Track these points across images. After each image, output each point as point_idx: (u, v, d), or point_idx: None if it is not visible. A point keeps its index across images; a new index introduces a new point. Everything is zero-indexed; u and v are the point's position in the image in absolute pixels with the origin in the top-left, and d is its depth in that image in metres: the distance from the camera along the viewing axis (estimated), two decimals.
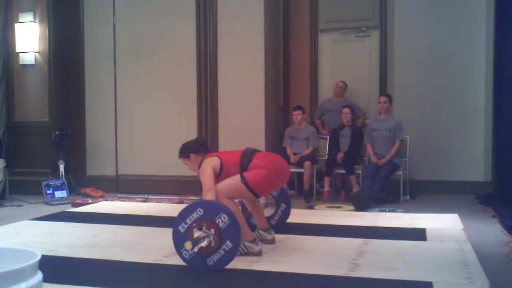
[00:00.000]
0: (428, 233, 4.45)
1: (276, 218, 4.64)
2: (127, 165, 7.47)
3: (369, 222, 5.01)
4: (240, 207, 3.82)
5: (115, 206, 6.22)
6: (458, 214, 5.24)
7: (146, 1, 7.38)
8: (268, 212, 4.55)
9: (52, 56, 7.38)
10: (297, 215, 5.24)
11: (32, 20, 7.37)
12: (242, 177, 3.74)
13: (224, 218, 3.38)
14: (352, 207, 5.93)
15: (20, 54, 7.44)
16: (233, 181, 3.76)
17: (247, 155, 3.88)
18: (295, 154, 6.87)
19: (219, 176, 3.83)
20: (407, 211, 5.67)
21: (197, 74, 7.16)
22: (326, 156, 6.99)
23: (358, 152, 6.85)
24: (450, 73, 7.06)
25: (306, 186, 6.70)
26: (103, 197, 6.86)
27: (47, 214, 5.60)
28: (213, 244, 3.38)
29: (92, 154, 7.65)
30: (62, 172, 6.96)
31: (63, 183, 6.80)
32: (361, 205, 5.89)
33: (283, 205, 4.64)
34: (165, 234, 4.51)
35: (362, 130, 6.97)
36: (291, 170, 6.84)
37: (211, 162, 3.84)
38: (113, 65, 7.51)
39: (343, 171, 6.76)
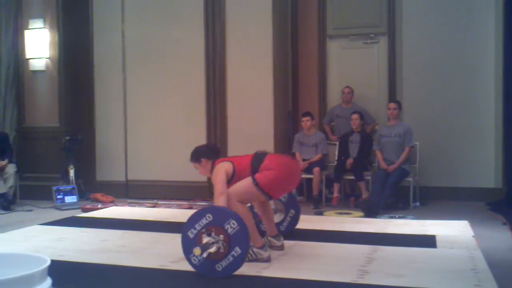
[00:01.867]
0: (438, 240, 4.43)
1: (285, 224, 4.64)
2: (137, 170, 7.49)
3: (379, 229, 4.99)
4: (251, 215, 3.81)
5: (125, 211, 6.24)
6: (468, 221, 5.20)
7: (155, 8, 7.41)
8: (277, 218, 4.55)
9: (62, 62, 7.43)
10: (306, 221, 5.22)
11: (42, 26, 7.43)
12: (253, 179, 3.74)
13: (233, 224, 3.38)
14: (361, 214, 5.91)
15: (30, 60, 7.51)
16: (244, 183, 3.77)
17: (258, 157, 3.89)
18: (304, 160, 6.86)
19: (231, 180, 3.83)
20: (417, 217, 5.63)
21: (205, 80, 7.17)
22: (336, 162, 6.97)
23: (367, 158, 6.82)
24: (459, 79, 7.02)
25: (315, 192, 6.68)
26: (112, 202, 6.88)
27: (57, 219, 5.63)
28: (222, 250, 3.38)
29: (101, 159, 7.67)
30: (72, 177, 6.99)
31: (73, 188, 6.83)
32: (371, 212, 5.86)
33: (292, 211, 4.64)
34: (174, 240, 4.51)
35: (371, 136, 6.95)
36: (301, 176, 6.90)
37: (224, 166, 3.84)
38: (122, 70, 7.55)
39: (353, 177, 6.74)
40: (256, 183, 3.72)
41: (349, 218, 5.80)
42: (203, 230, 3.41)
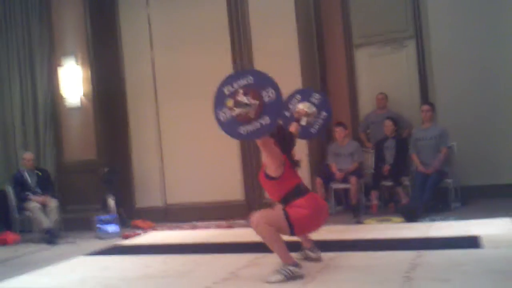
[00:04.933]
0: (482, 240, 4.31)
1: (316, 126, 4.57)
2: (174, 194, 7.58)
3: (421, 233, 4.91)
4: (279, 234, 3.77)
5: (165, 235, 6.31)
6: None
7: (181, 34, 7.53)
8: (308, 121, 4.51)
9: (96, 97, 7.64)
10: (347, 231, 5.18)
11: (75, 63, 7.66)
12: (284, 211, 3.74)
13: (272, 93, 3.35)
14: (402, 219, 5.81)
15: (65, 97, 7.73)
16: (275, 213, 3.78)
17: (299, 190, 3.84)
18: (340, 170, 6.81)
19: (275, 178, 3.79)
20: (459, 218, 5.51)
21: None
22: (372, 170, 6.90)
23: (404, 163, 6.73)
24: (491, 76, 6.86)
25: (353, 201, 6.61)
26: (153, 228, 6.97)
27: (100, 249, 5.73)
28: (252, 115, 3.35)
29: (139, 186, 7.79)
30: (113, 206, 7.11)
31: (114, 217, 6.93)
32: (411, 216, 5.76)
33: (324, 113, 4.56)
34: (215, 261, 4.55)
35: (406, 140, 6.85)
36: (337, 186, 6.86)
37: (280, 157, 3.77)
38: (155, 98, 7.69)
39: (391, 183, 6.65)
40: (286, 216, 3.71)
41: (390, 224, 5.71)
42: (241, 90, 3.38)
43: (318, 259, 4.11)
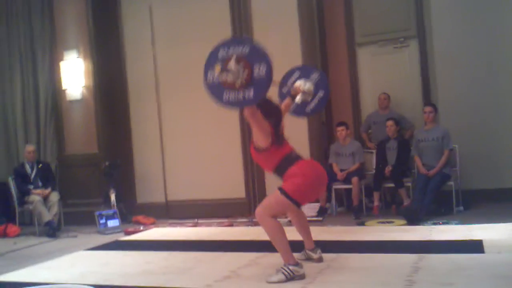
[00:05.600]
0: (485, 244, 4.30)
1: (312, 105, 4.53)
2: (176, 190, 7.57)
3: (423, 236, 4.90)
4: (284, 231, 3.77)
5: (166, 232, 6.31)
6: None
7: (184, 29, 7.51)
8: (304, 98, 4.47)
9: (97, 90, 7.62)
10: (348, 232, 5.17)
11: (77, 56, 7.64)
12: (280, 189, 3.73)
13: (262, 69, 3.33)
14: (404, 221, 5.80)
15: (66, 90, 7.71)
16: (273, 197, 3.78)
17: (290, 160, 3.83)
18: (341, 170, 6.80)
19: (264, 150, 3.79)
20: (462, 222, 5.50)
21: None
22: (374, 170, 6.89)
23: (406, 164, 6.71)
24: (495, 76, 6.84)
25: (355, 202, 6.60)
26: (154, 224, 6.97)
27: (101, 244, 5.73)
28: (237, 85, 3.34)
29: (141, 182, 7.80)
30: (113, 201, 7.11)
31: (115, 212, 6.94)
32: (413, 219, 5.75)
33: (320, 93, 4.52)
34: (216, 259, 4.55)
35: (408, 141, 6.84)
36: (339, 186, 6.85)
37: (267, 128, 3.76)
38: (156, 93, 7.68)
39: (392, 185, 6.64)
40: (284, 193, 3.71)
41: (391, 226, 5.71)
42: (235, 56, 3.35)
43: (319, 260, 4.11)
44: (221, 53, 3.42)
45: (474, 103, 6.92)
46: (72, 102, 7.72)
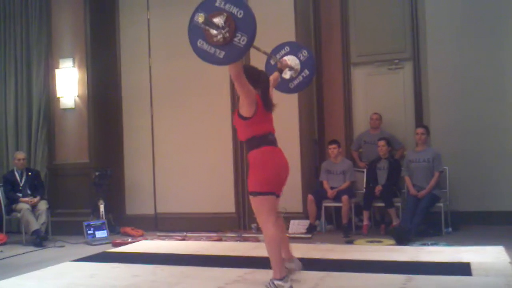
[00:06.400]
0: (473, 267, 4.31)
1: (295, 82, 4.57)
2: (166, 203, 7.54)
3: (411, 257, 4.90)
4: (280, 244, 3.78)
5: (155, 245, 6.26)
6: (504, 246, 5.06)
7: (180, 43, 7.48)
8: (289, 75, 4.55)
9: (91, 100, 7.60)
10: (337, 251, 5.16)
11: (72, 65, 7.63)
12: (250, 193, 3.78)
13: (243, 40, 3.30)
14: (392, 241, 5.81)
15: (60, 98, 7.69)
16: (253, 204, 3.80)
17: (261, 141, 3.85)
18: (332, 188, 6.82)
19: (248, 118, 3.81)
20: (450, 244, 5.52)
21: (231, 114, 7.23)
22: (364, 190, 6.91)
23: (396, 185, 6.74)
24: (487, 101, 6.93)
25: (344, 220, 6.61)
26: (142, 236, 6.93)
27: (88, 255, 5.67)
28: (219, 40, 3.32)
29: (131, 193, 7.76)
30: (102, 212, 7.07)
31: (103, 223, 6.90)
32: (402, 239, 5.77)
33: (306, 71, 4.56)
34: (203, 274, 4.52)
35: (399, 162, 6.88)
36: (329, 204, 6.86)
37: (252, 94, 3.76)
38: (150, 105, 7.68)
39: (382, 204, 6.66)
40: (254, 193, 3.74)
41: (380, 246, 5.72)
42: (225, 14, 3.32)
43: (298, 269, 4.17)
44: (218, 2, 3.39)
45: (466, 126, 6.99)
46: (65, 110, 7.69)
